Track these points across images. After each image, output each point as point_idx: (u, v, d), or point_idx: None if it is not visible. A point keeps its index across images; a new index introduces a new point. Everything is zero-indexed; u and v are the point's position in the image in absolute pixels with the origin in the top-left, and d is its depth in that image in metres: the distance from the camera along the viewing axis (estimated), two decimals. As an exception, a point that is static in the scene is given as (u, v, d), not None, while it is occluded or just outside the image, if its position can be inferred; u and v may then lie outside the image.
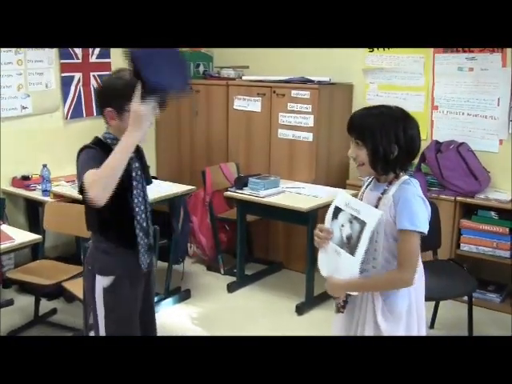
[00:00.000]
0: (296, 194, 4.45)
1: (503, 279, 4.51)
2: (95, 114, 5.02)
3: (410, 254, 2.14)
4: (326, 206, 3.96)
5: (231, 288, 4.66)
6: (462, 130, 4.57)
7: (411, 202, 2.13)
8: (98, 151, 2.28)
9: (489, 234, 4.31)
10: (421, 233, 2.12)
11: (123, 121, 2.27)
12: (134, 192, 2.40)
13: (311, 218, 4.22)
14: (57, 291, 4.12)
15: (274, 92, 4.91)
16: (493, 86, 4.42)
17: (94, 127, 4.55)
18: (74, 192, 4.33)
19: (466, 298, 3.80)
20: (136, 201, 2.42)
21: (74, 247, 4.69)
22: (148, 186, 2.54)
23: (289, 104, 4.85)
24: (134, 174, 2.40)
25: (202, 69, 5.57)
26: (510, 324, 4.16)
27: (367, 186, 2.33)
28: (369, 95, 5.04)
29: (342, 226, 2.20)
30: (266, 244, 5.25)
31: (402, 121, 2.16)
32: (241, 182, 4.50)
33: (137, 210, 2.42)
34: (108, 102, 2.30)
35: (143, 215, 2.45)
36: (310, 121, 4.77)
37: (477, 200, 4.30)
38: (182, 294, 4.48)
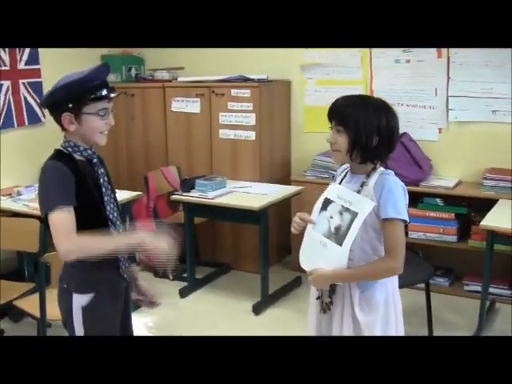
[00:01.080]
0: (244, 194, 4.44)
1: (450, 263, 4.65)
2: (27, 124, 4.86)
3: (397, 242, 2.15)
4: (277, 204, 4.28)
5: (183, 293, 4.60)
6: (402, 120, 4.59)
7: (394, 191, 2.14)
8: (61, 168, 2.16)
9: (435, 221, 4.43)
10: (404, 221, 2.14)
11: (82, 124, 2.19)
12: (105, 199, 2.29)
13: (263, 216, 4.23)
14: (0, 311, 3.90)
15: (213, 92, 4.88)
16: (430, 76, 4.55)
17: (27, 137, 4.76)
18: (13, 205, 4.19)
19: (420, 284, 3.83)
20: (108, 208, 2.30)
21: (14, 263, 4.48)
22: None
23: (229, 103, 4.83)
24: (101, 181, 2.30)
25: (133, 72, 5.47)
26: (461, 305, 4.30)
27: (342, 179, 2.32)
28: (307, 91, 5.09)
29: (331, 217, 2.20)
30: (212, 246, 5.21)
31: (384, 112, 2.18)
32: (187, 185, 4.45)
33: (110, 217, 2.30)
34: (64, 106, 2.17)
35: (117, 222, 2.33)
36: (251, 119, 4.77)
37: (422, 188, 4.41)
38: (133, 304, 4.33)
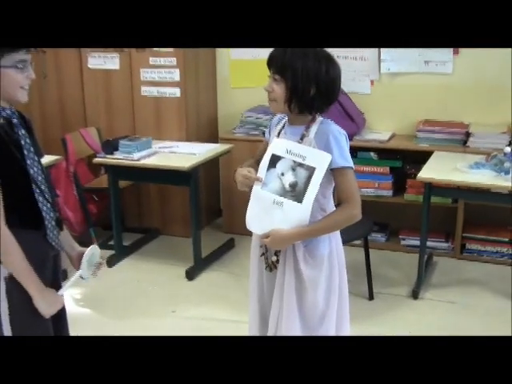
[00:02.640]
0: (171, 154, 4.30)
1: (386, 218, 4.66)
2: None
3: (353, 189, 2.16)
4: (207, 163, 4.19)
5: (111, 262, 4.42)
6: (333, 72, 4.56)
7: (340, 140, 2.12)
8: None
9: (370, 175, 4.42)
10: (352, 168, 2.15)
11: (1, 79, 1.98)
12: (28, 162, 2.08)
13: (192, 176, 4.11)
14: None
15: (133, 47, 4.61)
16: (361, 26, 4.46)
17: None
18: None
19: (356, 241, 3.94)
20: (32, 171, 2.09)
21: None
22: None
23: (151, 59, 4.60)
24: (23, 143, 2.09)
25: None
26: (399, 260, 4.35)
27: (280, 130, 2.26)
28: (232, 45, 4.90)
29: (282, 174, 2.16)
30: (138, 211, 5.05)
31: (325, 61, 2.11)
32: (110, 147, 4.23)
33: (35, 180, 2.10)
34: None
35: (43, 186, 2.13)
36: (175, 75, 4.57)
37: (356, 142, 4.35)
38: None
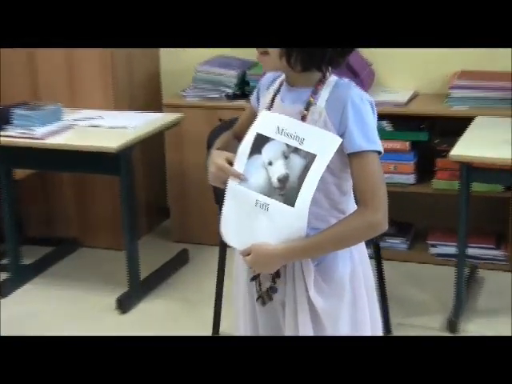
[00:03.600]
0: (92, 129, 4.18)
1: (407, 216, 4.52)
2: None
3: (376, 184, 2.08)
4: (146, 141, 4.29)
5: (4, 289, 4.23)
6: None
7: (363, 112, 2.06)
8: None
9: (383, 154, 4.21)
10: (379, 153, 2.10)
11: None
12: None
13: (124, 161, 4.01)
14: None
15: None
16: None
17: None
18: None
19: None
20: None
21: None
22: None
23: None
24: None
25: None
26: (427, 277, 4.29)
27: (275, 94, 2.22)
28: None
29: (270, 163, 2.12)
30: (45, 214, 4.89)
31: None
32: (-1, 119, 4.03)
33: None
34: None
35: None
36: (95, 12, 4.35)
37: (362, 106, 4.18)
38: None
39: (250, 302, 2.33)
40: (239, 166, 2.18)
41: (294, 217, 2.07)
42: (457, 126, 3.95)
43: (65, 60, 4.57)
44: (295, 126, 2.10)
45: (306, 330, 2.17)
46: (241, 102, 4.44)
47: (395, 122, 4.31)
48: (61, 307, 4.14)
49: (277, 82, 2.25)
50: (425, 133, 4.34)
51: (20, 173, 4.48)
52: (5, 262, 4.46)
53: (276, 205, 2.10)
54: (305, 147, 2.06)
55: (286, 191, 2.09)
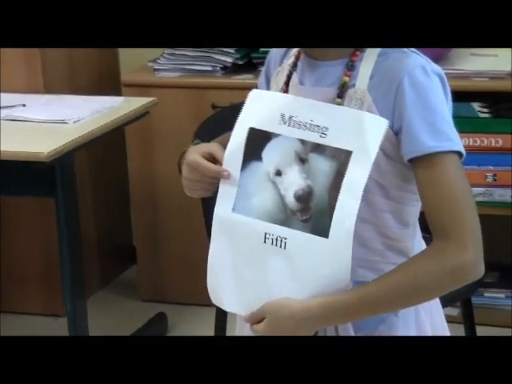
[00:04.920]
0: (12, 123, 3.38)
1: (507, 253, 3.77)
2: None
3: (458, 203, 1.60)
4: (92, 143, 3.58)
5: None
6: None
7: (427, 91, 1.59)
8: None
9: (474, 155, 3.53)
10: (460, 154, 1.59)
11: None
12: None
13: (61, 173, 3.29)
14: None
15: None
16: None
17: None
18: None
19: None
20: None
21: None
22: None
23: None
24: None
25: None
26: None
27: (288, 76, 1.76)
28: None
29: (278, 173, 1.68)
30: None
31: None
32: None
33: None
34: None
35: None
36: None
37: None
38: None
39: None
40: (231, 181, 1.79)
41: (329, 254, 1.66)
42: None
43: None
44: (310, 108, 1.70)
45: None
46: (246, 78, 3.55)
47: (494, 104, 3.47)
48: None
49: (292, 53, 1.83)
50: None
51: None
52: None
53: (298, 238, 1.65)
54: (330, 141, 1.62)
55: (311, 215, 1.67)
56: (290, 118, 1.72)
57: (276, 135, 1.71)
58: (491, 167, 3.45)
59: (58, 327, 3.59)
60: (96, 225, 4.08)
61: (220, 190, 1.77)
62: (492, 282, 3.66)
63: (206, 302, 2.64)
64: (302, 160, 1.69)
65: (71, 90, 3.80)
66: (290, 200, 1.68)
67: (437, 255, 1.65)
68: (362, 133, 1.65)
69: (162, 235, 3.99)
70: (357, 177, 1.62)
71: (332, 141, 1.64)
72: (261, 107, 1.78)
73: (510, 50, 3.79)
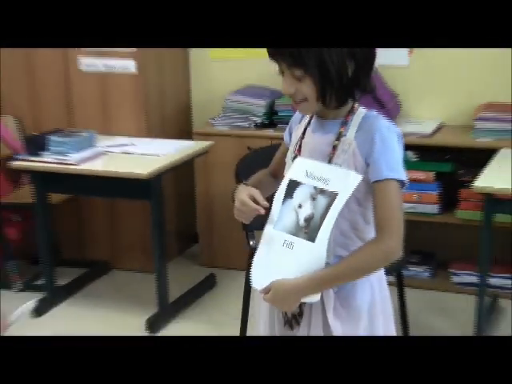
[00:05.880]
0: (124, 155, 4.31)
1: (430, 245, 4.66)
2: None
3: (394, 211, 2.12)
4: (175, 169, 4.43)
5: (41, 309, 4.36)
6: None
7: (389, 142, 2.12)
8: None
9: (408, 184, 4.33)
10: (402, 182, 2.14)
11: None
12: None
13: (155, 187, 4.14)
14: None
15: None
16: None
17: None
18: None
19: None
20: None
21: None
22: None
23: (94, 19, 4.53)
24: None
25: None
26: (449, 304, 4.39)
27: (306, 127, 2.30)
28: None
29: (299, 206, 2.19)
30: (78, 237, 5.06)
31: None
32: (35, 145, 4.25)
33: None
34: None
35: None
36: (128, 42, 4.54)
37: (388, 137, 4.29)
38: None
39: (269, 325, 2.38)
40: (274, 211, 2.25)
41: (314, 251, 2.15)
42: (482, 157, 3.99)
43: (98, 87, 4.70)
44: (321, 168, 2.18)
45: None
46: (269, 131, 4.57)
47: (420, 152, 4.41)
48: (92, 327, 4.25)
49: (306, 117, 2.31)
50: (449, 164, 4.43)
51: (55, 197, 4.59)
52: (40, 282, 4.59)
53: (300, 242, 2.18)
54: (329, 187, 2.14)
55: (309, 229, 2.16)
56: (310, 173, 2.20)
57: (302, 183, 2.22)
58: (417, 191, 4.40)
59: (150, 280, 4.32)
60: (174, 217, 4.99)
61: (270, 215, 2.27)
62: (415, 261, 4.57)
63: (241, 268, 3.58)
64: (313, 198, 2.18)
65: (162, 135, 4.73)
66: (301, 221, 2.19)
67: (375, 243, 2.16)
68: (346, 182, 2.13)
69: (214, 225, 4.86)
70: (336, 207, 2.12)
71: (330, 187, 2.15)
72: (296, 167, 2.26)
73: (434, 120, 4.53)
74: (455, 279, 4.55)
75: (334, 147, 2.17)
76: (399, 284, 3.79)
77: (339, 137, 2.17)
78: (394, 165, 2.11)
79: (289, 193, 2.23)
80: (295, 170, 2.24)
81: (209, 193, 4.86)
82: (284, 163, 2.36)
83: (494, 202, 3.69)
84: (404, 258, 3.55)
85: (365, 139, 2.13)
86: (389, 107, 4.37)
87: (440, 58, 4.51)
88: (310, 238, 2.15)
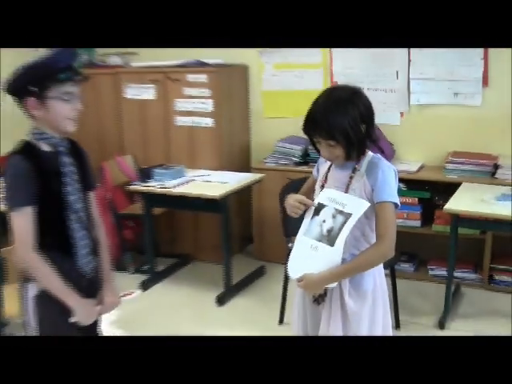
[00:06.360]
0: (204, 182, 4.36)
1: (415, 249, 4.67)
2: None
3: (389, 224, 2.15)
4: (238, 192, 4.26)
5: (145, 286, 4.52)
6: (364, 104, 4.63)
7: (388, 176, 2.16)
8: (22, 164, 2.12)
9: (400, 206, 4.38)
10: (396, 205, 2.17)
11: (47, 109, 2.14)
12: (68, 189, 2.22)
13: (223, 205, 4.18)
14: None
15: (169, 77, 4.77)
16: (391, 59, 4.53)
17: None
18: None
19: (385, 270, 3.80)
20: (71, 198, 2.23)
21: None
22: None
23: (185, 89, 4.73)
24: (65, 170, 2.23)
25: (84, 57, 5.27)
26: (427, 290, 4.34)
27: (329, 166, 2.31)
28: (265, 75, 5.01)
29: (324, 221, 2.20)
30: (171, 237, 5.12)
31: (357, 98, 2.15)
32: (145, 175, 4.37)
33: (73, 207, 2.23)
34: (26, 90, 2.11)
35: (80, 213, 2.26)
36: (208, 105, 4.69)
37: (385, 173, 4.36)
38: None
39: (302, 302, 2.38)
40: (305, 223, 2.25)
41: (333, 253, 2.15)
42: (450, 188, 4.00)
43: (188, 135, 4.78)
44: (341, 196, 2.18)
45: (337, 323, 2.24)
46: (303, 167, 4.56)
47: (408, 184, 4.41)
48: (179, 299, 4.33)
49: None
50: (428, 192, 4.44)
51: (157, 210, 4.66)
52: (145, 268, 4.68)
53: (323, 246, 2.18)
54: (346, 209, 2.14)
55: (329, 237, 2.17)
56: (332, 199, 2.19)
57: (326, 206, 2.20)
58: (406, 211, 4.41)
59: (220, 268, 4.28)
60: (237, 225, 4.91)
61: (302, 225, 2.26)
62: (404, 259, 4.57)
63: (283, 262, 3.36)
64: (334, 216, 2.16)
65: (230, 168, 4.72)
66: (324, 231, 2.18)
67: (375, 247, 2.17)
68: (358, 207, 2.11)
69: (265, 231, 4.82)
70: (351, 223, 2.11)
71: (347, 209, 2.13)
72: (323, 194, 2.24)
73: (417, 162, 4.49)
74: (431, 272, 4.53)
75: (351, 178, 2.19)
76: (392, 275, 3.78)
77: (354, 171, 2.19)
78: (391, 192, 2.14)
79: (316, 212, 2.23)
80: (322, 196, 2.24)
81: (261, 208, 4.84)
82: (309, 191, 2.38)
83: (458, 219, 3.71)
84: (396, 257, 3.59)
85: (371, 173, 2.15)
86: (386, 153, 4.25)
87: (422, 120, 4.58)
88: (330, 243, 2.16)
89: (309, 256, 2.23)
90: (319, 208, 2.24)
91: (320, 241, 2.20)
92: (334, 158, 2.20)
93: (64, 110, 2.16)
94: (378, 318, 2.29)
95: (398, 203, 2.17)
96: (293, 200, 2.27)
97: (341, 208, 2.16)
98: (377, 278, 2.28)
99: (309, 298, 2.34)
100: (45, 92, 2.10)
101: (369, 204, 2.11)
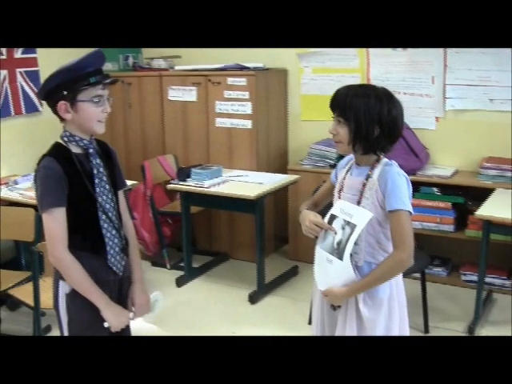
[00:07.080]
0: (240, 183, 4.38)
1: (447, 253, 4.60)
2: (24, 112, 4.82)
3: (404, 233, 2.10)
4: (272, 193, 4.25)
5: (180, 282, 4.55)
6: (399, 109, 4.58)
7: (398, 183, 2.11)
8: (53, 166, 2.15)
9: (432, 210, 4.37)
10: (410, 212, 2.11)
11: (78, 112, 2.16)
12: (97, 190, 2.24)
13: (259, 205, 4.18)
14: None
15: (210, 80, 4.80)
16: (427, 64, 4.47)
17: (24, 126, 4.72)
18: (8, 194, 4.16)
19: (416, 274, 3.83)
20: (101, 199, 2.25)
21: (12, 252, 4.45)
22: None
23: (225, 92, 4.75)
24: (95, 172, 2.25)
25: (131, 61, 5.39)
26: (458, 295, 4.27)
27: (347, 171, 2.28)
28: (303, 79, 5.01)
29: (335, 233, 2.18)
30: (209, 235, 5.16)
31: (386, 101, 2.10)
32: (183, 174, 4.40)
33: (103, 208, 2.25)
34: (58, 94, 2.14)
35: (110, 213, 2.28)
36: (247, 108, 4.70)
37: (419, 177, 4.33)
38: (130, 293, 4.30)
39: (320, 306, 2.37)
40: (321, 235, 2.23)
41: (343, 267, 2.13)
42: (484, 193, 3.95)
43: (226, 136, 4.80)
44: (348, 206, 2.15)
45: (352, 330, 2.21)
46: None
47: (442, 188, 4.37)
48: (213, 296, 4.35)
49: (349, 163, 2.28)
50: (462, 197, 4.36)
51: (194, 208, 4.68)
52: (182, 264, 4.66)
53: (335, 260, 2.16)
54: (352, 220, 2.11)
55: (339, 250, 2.14)
56: (342, 210, 2.17)
57: (337, 217, 2.18)
58: (439, 215, 4.36)
59: (253, 267, 4.30)
60: (273, 225, 4.95)
61: (319, 236, 2.23)
62: (436, 264, 4.50)
63: None
64: (343, 228, 2.13)
65: (267, 169, 4.76)
66: (335, 244, 2.15)
67: (392, 257, 2.11)
68: (362, 218, 2.08)
69: (300, 232, 4.28)
70: (355, 235, 2.08)
71: (353, 220, 2.10)
72: (336, 206, 2.22)
73: (452, 167, 4.42)
74: (464, 278, 4.46)
75: (364, 185, 2.15)
76: (422, 279, 3.75)
77: (368, 178, 2.15)
78: (402, 199, 2.08)
79: (329, 223, 2.20)
80: (335, 207, 2.22)
81: (297, 209, 4.20)
82: (323, 197, 2.40)
83: (490, 225, 3.65)
84: (427, 261, 3.69)
85: (383, 180, 2.11)
86: (420, 156, 4.40)
87: (457, 125, 4.50)
88: (340, 257, 2.14)
89: (327, 268, 2.22)
90: (332, 219, 2.21)
91: (332, 254, 2.18)
92: (338, 139, 2.17)
93: (94, 113, 2.18)
94: (394, 326, 2.26)
95: (411, 211, 2.10)
96: (309, 222, 2.24)
97: (348, 219, 2.13)
98: (393, 285, 2.24)
99: (327, 304, 2.33)
100: (75, 95, 2.13)
101: (372, 214, 2.07)
